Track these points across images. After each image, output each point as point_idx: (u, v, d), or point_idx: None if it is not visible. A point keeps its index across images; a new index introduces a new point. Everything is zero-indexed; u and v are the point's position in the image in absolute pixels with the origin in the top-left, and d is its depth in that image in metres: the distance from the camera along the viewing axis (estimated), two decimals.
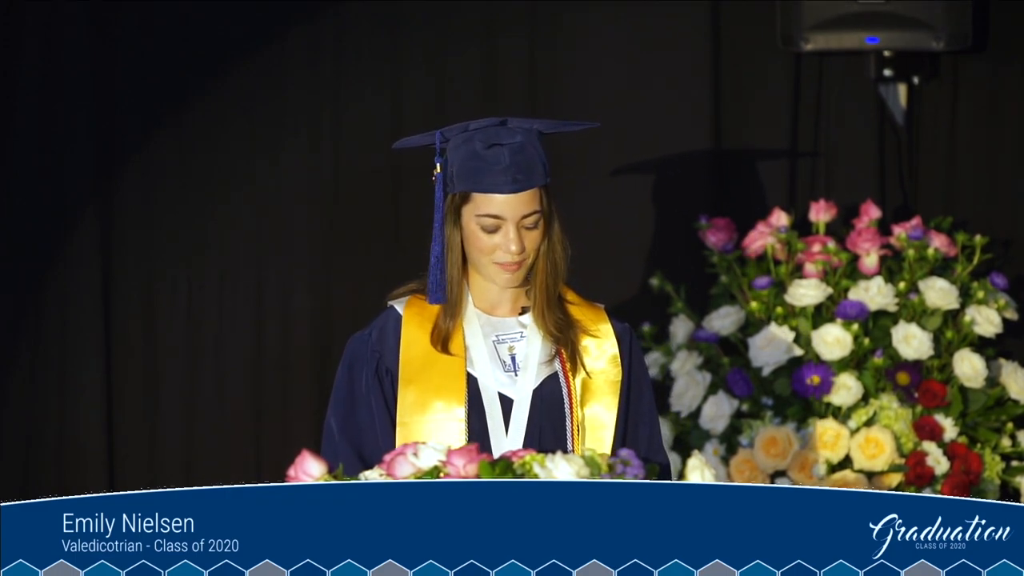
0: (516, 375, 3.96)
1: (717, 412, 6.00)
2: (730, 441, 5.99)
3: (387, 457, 3.30)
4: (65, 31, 6.39)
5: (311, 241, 6.53)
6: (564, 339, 3.97)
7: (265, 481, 6.77)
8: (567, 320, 3.99)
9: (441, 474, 3.23)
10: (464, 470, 3.19)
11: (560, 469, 3.19)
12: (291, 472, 3.29)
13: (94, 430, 6.42)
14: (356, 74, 6.54)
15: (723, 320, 6.10)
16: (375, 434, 3.93)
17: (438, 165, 3.94)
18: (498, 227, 3.90)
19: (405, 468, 3.26)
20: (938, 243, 6.10)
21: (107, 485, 6.43)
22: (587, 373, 3.97)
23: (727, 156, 6.57)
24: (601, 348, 4.00)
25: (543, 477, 3.21)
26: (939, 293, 6.00)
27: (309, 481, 3.27)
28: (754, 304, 6.07)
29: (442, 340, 3.95)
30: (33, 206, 6.41)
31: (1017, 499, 6.02)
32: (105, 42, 6.42)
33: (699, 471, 3.36)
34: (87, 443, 6.42)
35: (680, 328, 6.21)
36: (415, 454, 3.28)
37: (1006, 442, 6.01)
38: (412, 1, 6.53)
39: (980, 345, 6.08)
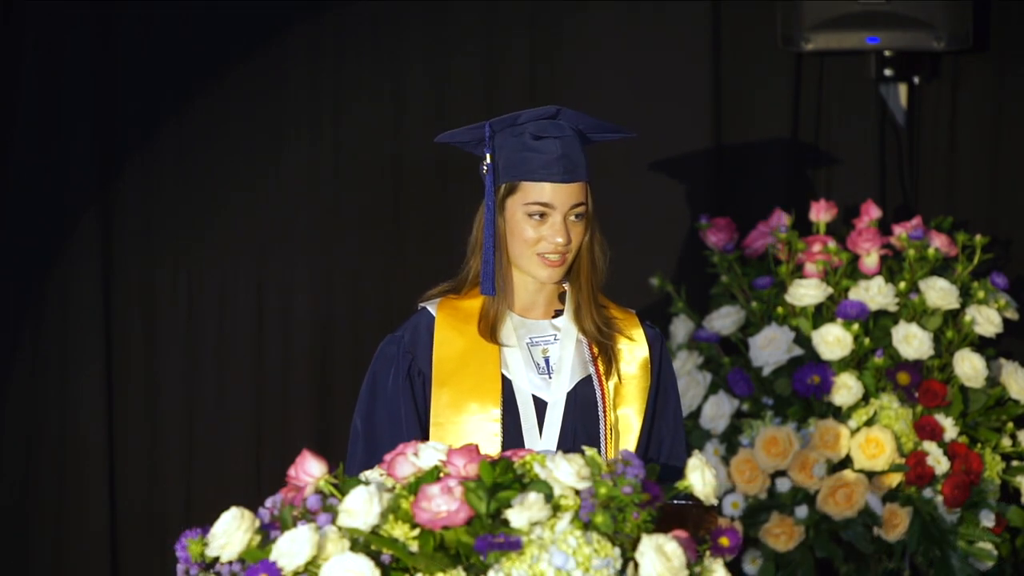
0: (550, 377, 3.96)
1: (717, 412, 6.00)
2: (730, 441, 5.99)
3: (387, 457, 3.30)
4: (65, 31, 6.39)
5: (311, 241, 6.53)
6: (602, 342, 3.98)
7: (265, 481, 6.80)
8: (606, 323, 4.00)
9: (442, 474, 3.23)
10: (464, 470, 3.19)
11: (560, 469, 3.19)
12: (291, 472, 3.29)
13: (95, 429, 6.42)
14: (356, 74, 6.54)
15: (723, 320, 6.10)
16: (395, 434, 3.92)
17: (488, 156, 3.94)
18: (546, 216, 3.91)
19: (406, 468, 3.26)
20: (938, 243, 6.10)
21: (107, 485, 6.43)
22: (619, 378, 3.98)
23: (727, 156, 6.57)
24: (633, 353, 4.02)
25: (543, 477, 3.21)
26: (939, 293, 6.00)
27: (309, 481, 3.27)
28: (755, 304, 6.07)
29: (491, 329, 3.96)
30: (34, 206, 6.41)
31: (1017, 499, 6.02)
32: (105, 42, 6.42)
33: (699, 471, 3.36)
34: (87, 442, 6.42)
35: (680, 328, 6.21)
36: (415, 454, 3.28)
37: (1006, 442, 6.01)
38: (412, 1, 6.53)
39: (980, 345, 6.08)
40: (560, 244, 3.91)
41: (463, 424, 3.92)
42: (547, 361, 3.98)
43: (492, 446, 3.87)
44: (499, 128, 3.95)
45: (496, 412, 3.92)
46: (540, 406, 3.96)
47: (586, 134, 3.97)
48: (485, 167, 3.94)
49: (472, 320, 3.98)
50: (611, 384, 3.98)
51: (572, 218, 3.92)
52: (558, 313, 4.02)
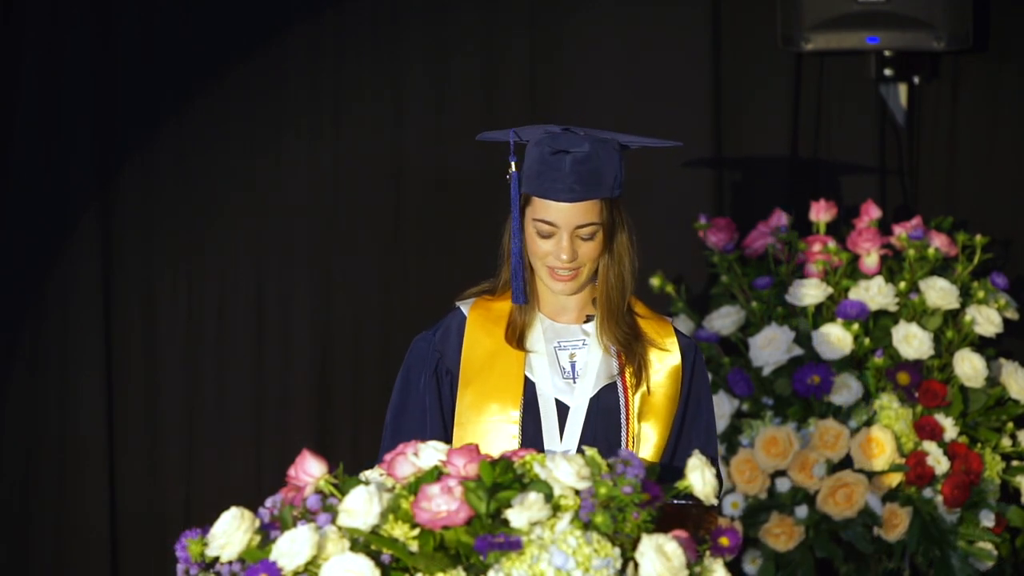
0: (574, 382, 3.94)
1: (717, 412, 6.00)
2: (730, 441, 5.99)
3: (387, 457, 3.30)
4: (65, 31, 6.39)
5: (311, 241, 6.53)
6: (630, 352, 3.95)
7: (265, 481, 6.79)
8: (634, 333, 3.97)
9: (442, 474, 3.23)
10: (464, 470, 3.19)
11: (560, 469, 3.19)
12: (291, 472, 3.29)
13: (95, 429, 6.42)
14: (356, 74, 6.54)
15: (723, 320, 6.10)
16: (420, 432, 3.91)
17: (513, 164, 3.91)
18: (552, 233, 3.88)
19: (405, 468, 3.26)
20: (938, 243, 6.10)
21: (107, 485, 6.43)
22: (648, 387, 3.95)
23: (728, 156, 6.57)
24: (663, 362, 3.98)
25: (543, 477, 3.21)
26: (939, 293, 6.00)
27: (309, 481, 3.27)
28: (755, 304, 6.07)
29: (517, 336, 3.94)
30: (34, 206, 6.41)
31: (1017, 499, 6.02)
32: (105, 42, 6.42)
33: (699, 471, 3.36)
34: (88, 442, 6.42)
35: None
36: (415, 454, 3.28)
37: (1006, 442, 6.01)
38: (412, 1, 6.53)
39: (980, 345, 6.08)
40: (564, 261, 3.89)
41: (482, 425, 3.90)
42: (573, 366, 3.96)
43: (510, 449, 3.85)
44: (524, 136, 3.93)
45: (515, 414, 3.90)
46: (562, 410, 3.93)
47: (622, 143, 3.94)
48: (509, 175, 3.91)
49: (502, 322, 3.96)
50: (638, 394, 3.95)
51: (580, 237, 3.89)
52: (590, 318, 4.00)
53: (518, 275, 3.92)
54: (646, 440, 3.93)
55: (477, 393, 3.92)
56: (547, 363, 3.94)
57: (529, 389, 3.93)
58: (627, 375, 3.95)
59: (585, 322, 3.99)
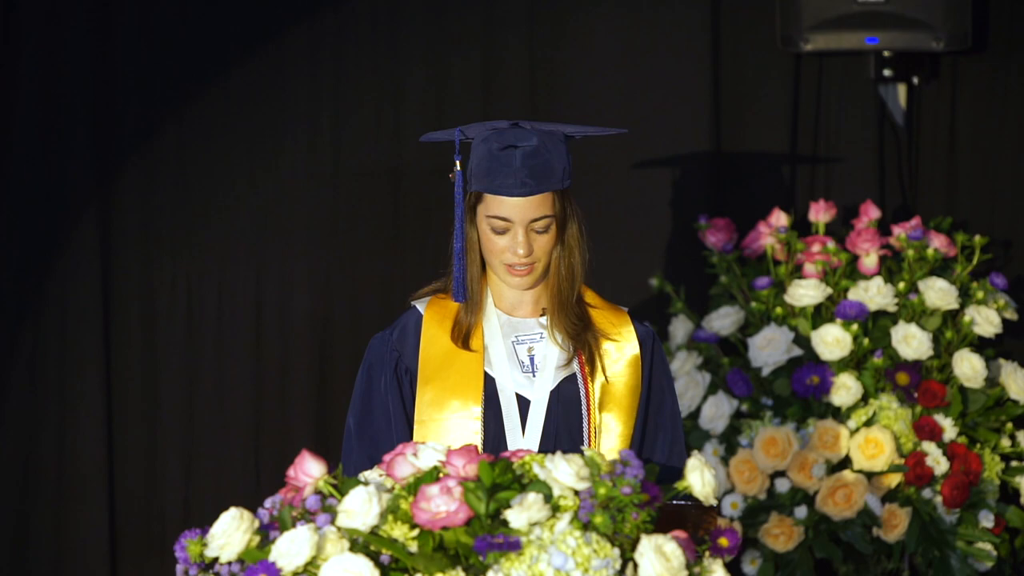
0: (534, 376, 3.95)
1: (717, 412, 6.01)
2: (730, 441, 5.99)
3: (387, 457, 3.30)
4: (65, 31, 6.39)
5: (311, 241, 6.53)
6: (580, 342, 3.96)
7: (264, 481, 6.80)
8: (584, 323, 3.98)
9: (441, 474, 3.23)
10: (464, 471, 3.19)
11: (560, 470, 3.19)
12: (291, 472, 3.29)
13: (94, 428, 6.42)
14: (356, 74, 6.54)
15: (723, 320, 6.10)
16: (391, 434, 3.93)
17: (457, 162, 3.93)
18: (506, 229, 3.90)
19: (405, 468, 3.26)
20: (938, 243, 6.10)
21: (107, 485, 6.43)
22: (606, 377, 3.96)
23: (727, 156, 6.57)
24: (621, 352, 3.99)
25: (543, 477, 3.21)
26: (939, 293, 6.00)
27: (309, 481, 3.27)
28: (754, 304, 6.07)
29: (463, 336, 3.95)
30: (33, 206, 6.41)
31: (1016, 500, 6.02)
32: (105, 42, 6.42)
33: (699, 471, 3.37)
34: (87, 442, 6.42)
35: (680, 328, 6.21)
36: (415, 454, 3.28)
37: (1005, 442, 6.01)
38: (412, 1, 6.53)
39: (980, 345, 6.08)
40: (521, 256, 3.90)
41: (444, 422, 3.92)
42: (532, 359, 3.98)
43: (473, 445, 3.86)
44: (470, 134, 3.94)
45: (477, 410, 3.92)
46: (523, 404, 3.95)
47: (565, 133, 3.95)
48: (453, 174, 3.93)
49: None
50: (597, 384, 3.96)
51: (535, 230, 3.91)
52: (546, 311, 4.01)
53: (458, 274, 3.94)
54: (608, 431, 3.95)
55: (438, 390, 3.93)
56: (506, 358, 3.96)
57: (489, 384, 3.95)
58: (585, 366, 3.96)
59: (541, 315, 4.01)
